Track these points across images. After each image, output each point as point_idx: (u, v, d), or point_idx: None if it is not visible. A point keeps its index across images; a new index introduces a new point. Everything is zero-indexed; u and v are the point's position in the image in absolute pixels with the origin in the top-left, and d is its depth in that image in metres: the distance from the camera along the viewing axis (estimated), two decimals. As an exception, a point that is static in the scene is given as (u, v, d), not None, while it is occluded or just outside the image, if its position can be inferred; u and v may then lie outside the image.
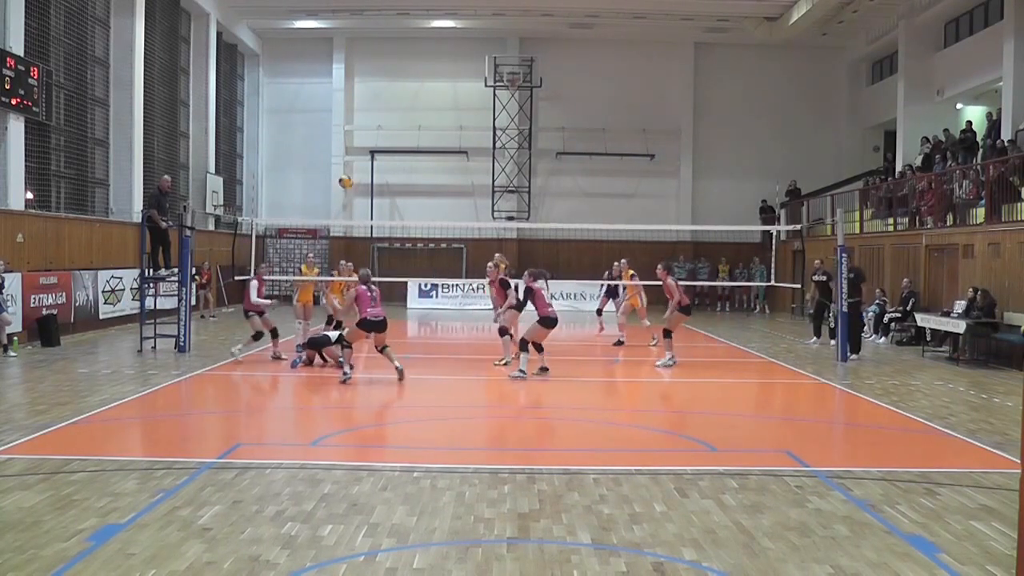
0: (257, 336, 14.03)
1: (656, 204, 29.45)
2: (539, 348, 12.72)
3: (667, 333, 14.02)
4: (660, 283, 14.32)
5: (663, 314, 14.53)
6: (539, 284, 12.62)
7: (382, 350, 12.03)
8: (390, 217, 29.46)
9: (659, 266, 14.63)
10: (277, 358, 13.89)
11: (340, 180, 12.80)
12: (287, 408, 10.88)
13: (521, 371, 12.30)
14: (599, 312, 18.92)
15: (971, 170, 17.96)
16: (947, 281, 17.96)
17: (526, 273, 13.00)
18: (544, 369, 12.72)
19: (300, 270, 16.50)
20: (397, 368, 11.73)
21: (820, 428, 10.04)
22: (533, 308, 12.70)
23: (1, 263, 14.25)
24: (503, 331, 13.71)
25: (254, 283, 14.10)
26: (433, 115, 29.57)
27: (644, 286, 17.16)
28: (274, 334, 14.15)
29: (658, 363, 13.90)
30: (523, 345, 12.45)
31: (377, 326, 11.94)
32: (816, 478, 7.13)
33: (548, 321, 12.47)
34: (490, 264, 14.73)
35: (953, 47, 23.81)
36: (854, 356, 15.14)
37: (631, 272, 17.32)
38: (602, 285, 19.34)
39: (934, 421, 9.69)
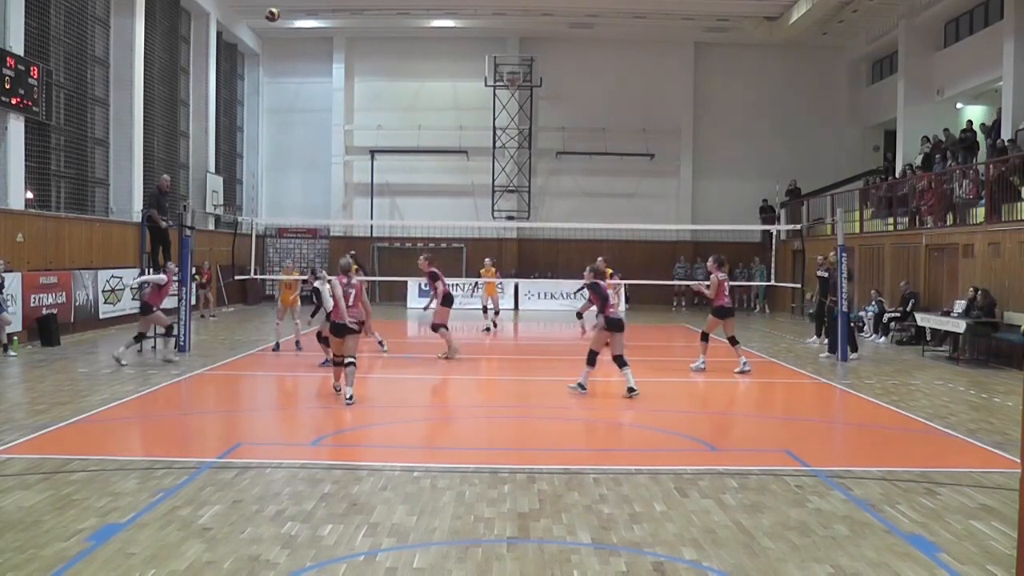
0: (140, 337, 13.48)
1: (656, 204, 29.46)
2: (621, 362, 10.93)
3: (733, 341, 13.52)
4: (663, 284, 14.11)
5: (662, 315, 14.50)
6: (603, 282, 11.31)
7: (347, 364, 10.18)
8: (390, 217, 29.45)
9: (711, 258, 13.88)
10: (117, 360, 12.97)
11: (269, 12, 11.63)
12: (287, 408, 10.88)
13: (580, 385, 11.04)
14: (579, 315, 18.36)
15: (971, 170, 17.97)
16: (947, 281, 17.96)
17: (588, 270, 11.60)
18: (631, 391, 10.81)
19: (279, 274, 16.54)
20: (348, 396, 10.02)
21: (820, 428, 10.04)
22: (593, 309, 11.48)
23: (1, 263, 14.26)
24: (434, 327, 13.76)
25: (163, 278, 13.53)
26: (433, 115, 29.57)
27: (627, 285, 17.10)
28: (139, 339, 13.57)
29: (692, 366, 13.58)
30: (590, 358, 11.08)
31: (346, 329, 10.27)
32: (816, 478, 7.13)
33: (612, 323, 11.02)
34: (422, 257, 15.13)
35: (953, 47, 23.81)
36: (854, 355, 15.13)
37: (610, 271, 17.04)
38: (582, 287, 19.43)
39: (934, 421, 9.69)
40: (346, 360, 10.18)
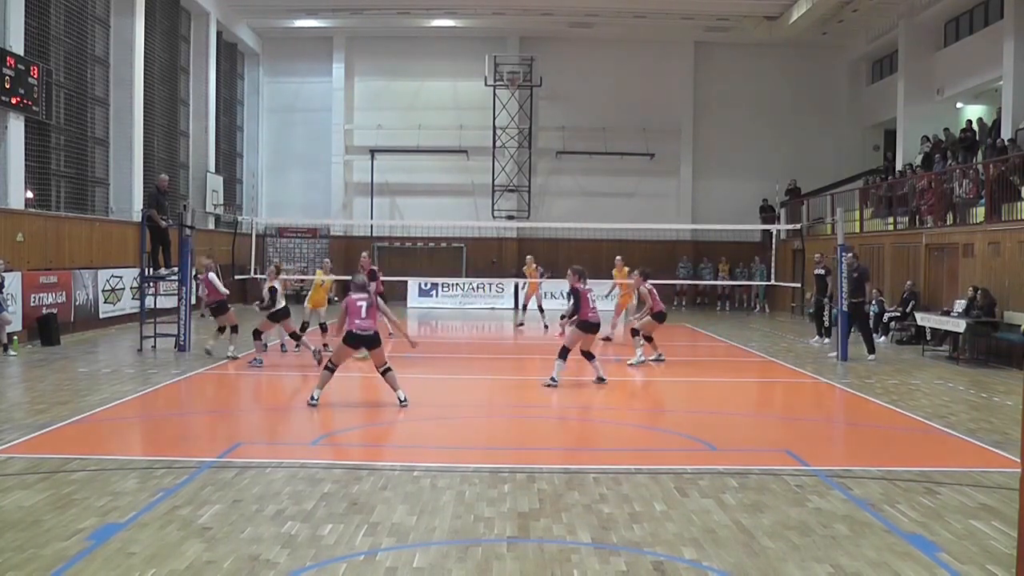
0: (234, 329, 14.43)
1: (656, 203, 29.45)
2: (589, 356, 11.81)
3: (635, 332, 14.03)
4: (665, 283, 14.16)
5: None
6: (584, 285, 11.74)
7: (384, 373, 10.11)
8: (390, 216, 29.47)
9: (636, 272, 14.25)
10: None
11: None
12: (287, 407, 10.87)
13: (553, 379, 11.49)
14: (564, 317, 18.06)
15: (971, 169, 17.97)
16: (947, 280, 17.96)
17: (570, 272, 11.97)
18: (601, 379, 11.72)
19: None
20: (400, 399, 9.95)
21: (820, 427, 10.04)
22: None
23: (1, 263, 14.26)
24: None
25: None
26: (433, 114, 29.57)
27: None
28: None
29: (630, 361, 13.71)
30: (562, 352, 11.61)
31: (366, 341, 9.96)
32: (816, 477, 7.13)
33: (587, 326, 11.61)
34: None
35: (953, 46, 23.81)
36: (871, 357, 14.97)
37: (626, 269, 17.11)
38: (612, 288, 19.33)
39: (934, 420, 9.69)
40: (383, 369, 10.00)
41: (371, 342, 9.93)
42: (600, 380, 11.67)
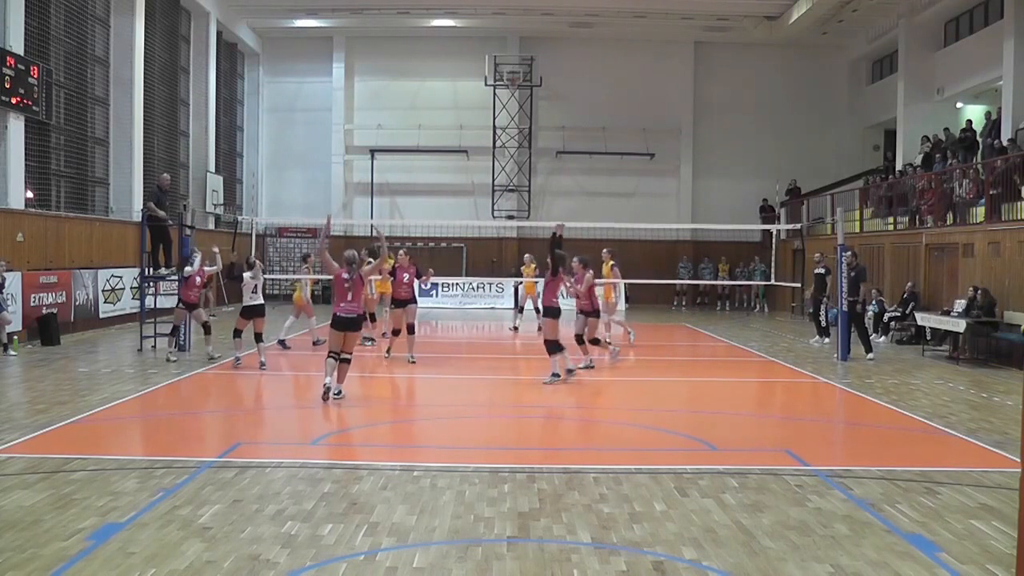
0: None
1: (656, 203, 29.45)
2: (580, 341, 12.94)
3: (579, 339, 13.28)
4: (665, 283, 14.02)
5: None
6: (561, 270, 12.18)
7: (345, 359, 10.15)
8: (390, 216, 29.44)
9: (575, 259, 13.16)
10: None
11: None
12: (287, 407, 10.86)
13: (555, 374, 11.75)
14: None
15: (971, 169, 17.97)
16: (947, 280, 17.97)
17: (576, 260, 12.95)
18: (589, 367, 12.71)
19: (305, 269, 16.96)
20: (337, 391, 9.97)
21: (820, 427, 10.04)
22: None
23: (2, 263, 14.26)
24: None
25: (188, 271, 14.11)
26: (433, 114, 29.57)
27: (628, 285, 16.93)
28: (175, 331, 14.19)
29: (579, 365, 12.89)
30: (551, 347, 11.79)
31: (347, 325, 10.07)
32: (816, 477, 7.13)
33: (548, 311, 11.93)
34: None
35: (953, 46, 23.82)
36: (870, 357, 15.00)
37: (611, 263, 16.16)
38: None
39: (934, 420, 9.69)
40: (342, 356, 10.15)
41: (353, 326, 10.16)
42: (588, 367, 12.61)
